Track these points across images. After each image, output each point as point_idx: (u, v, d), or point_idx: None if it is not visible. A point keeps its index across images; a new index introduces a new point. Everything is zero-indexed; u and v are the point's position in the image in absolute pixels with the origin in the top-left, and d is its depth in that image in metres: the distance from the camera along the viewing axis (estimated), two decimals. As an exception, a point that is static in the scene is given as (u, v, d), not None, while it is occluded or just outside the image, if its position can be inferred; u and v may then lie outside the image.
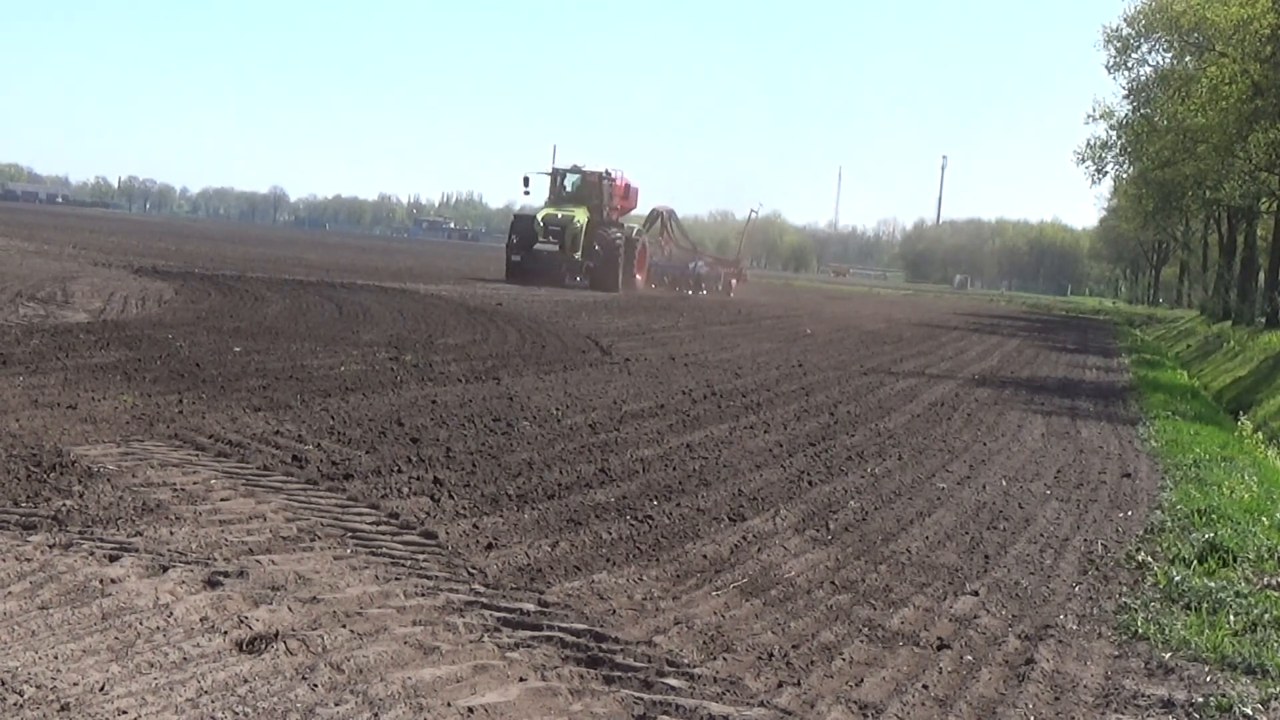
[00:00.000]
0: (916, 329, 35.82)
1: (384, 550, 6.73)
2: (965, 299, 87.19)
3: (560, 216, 39.16)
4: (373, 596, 5.86)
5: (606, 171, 41.66)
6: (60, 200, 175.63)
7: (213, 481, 7.92)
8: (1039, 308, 77.32)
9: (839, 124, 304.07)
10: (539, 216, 39.75)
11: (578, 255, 38.99)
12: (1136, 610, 6.97)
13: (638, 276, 42.17)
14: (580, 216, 39.28)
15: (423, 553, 6.76)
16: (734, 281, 47.46)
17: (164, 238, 59.46)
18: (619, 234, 40.54)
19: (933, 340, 31.36)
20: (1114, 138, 47.85)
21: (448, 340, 18.64)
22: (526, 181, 41.75)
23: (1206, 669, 6.02)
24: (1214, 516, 9.60)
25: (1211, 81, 36.29)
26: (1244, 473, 12.23)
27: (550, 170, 42.13)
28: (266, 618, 5.32)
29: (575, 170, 41.75)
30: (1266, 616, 6.87)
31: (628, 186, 42.57)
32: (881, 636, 6.20)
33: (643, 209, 46.91)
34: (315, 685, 4.68)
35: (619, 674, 5.17)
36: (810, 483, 9.94)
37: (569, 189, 41.33)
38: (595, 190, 40.93)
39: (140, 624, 5.08)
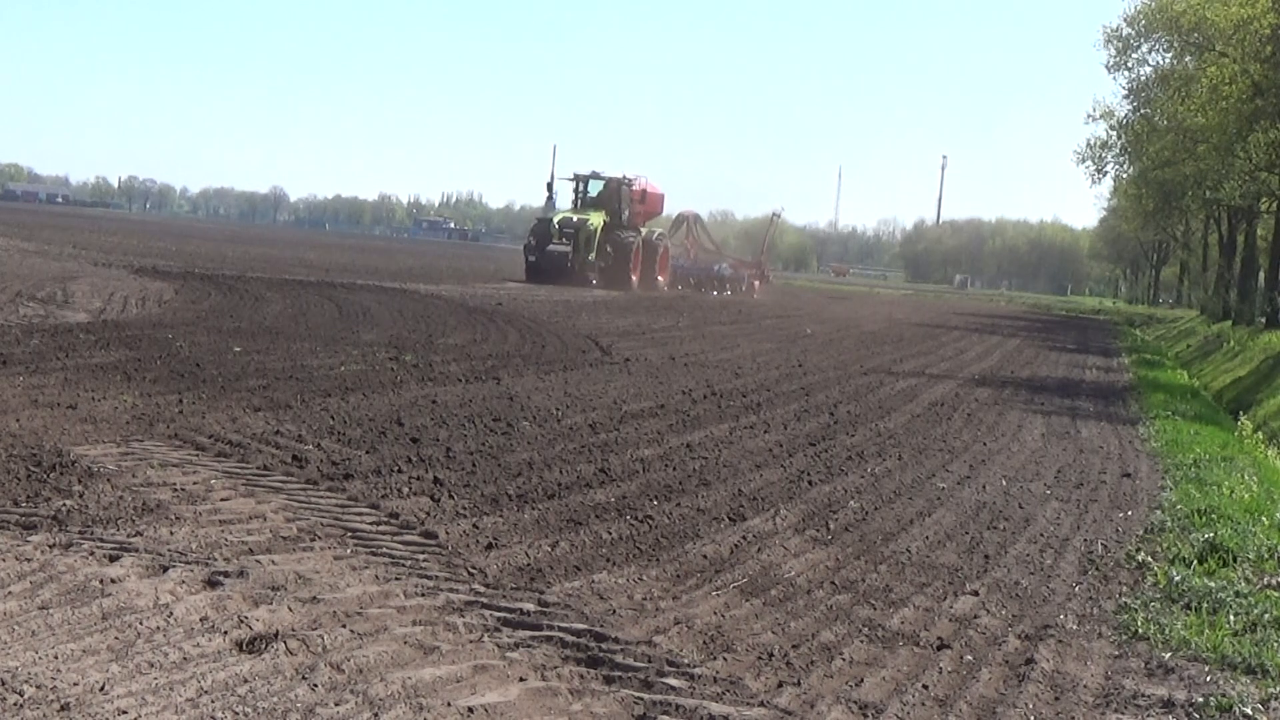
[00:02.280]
0: (916, 329, 35.81)
1: (384, 550, 6.73)
2: (965, 299, 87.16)
3: (575, 219, 40.96)
4: (373, 596, 5.86)
5: (624, 177, 43.27)
6: (60, 200, 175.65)
7: (213, 481, 7.92)
8: (1039, 308, 77.27)
9: (839, 124, 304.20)
10: (555, 219, 41.50)
11: (591, 256, 40.42)
12: (1136, 610, 6.97)
13: (660, 278, 43.76)
14: (595, 220, 40.85)
15: (423, 553, 6.76)
16: (757, 283, 48.92)
17: (164, 238, 59.48)
18: (632, 237, 42.09)
19: (933, 340, 31.36)
20: (1114, 138, 47.89)
21: (448, 340, 18.65)
22: (550, 187, 44.57)
23: (1206, 669, 6.02)
24: (1214, 516, 9.60)
25: (1211, 81, 36.28)
26: (1244, 473, 12.23)
27: (572, 176, 44.02)
28: (266, 618, 5.32)
29: (596, 176, 43.51)
30: (1266, 616, 6.87)
31: (644, 192, 43.90)
32: (881, 636, 6.20)
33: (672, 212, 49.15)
34: (315, 685, 4.68)
35: (619, 674, 5.17)
36: (810, 483, 9.94)
37: (592, 194, 43.17)
38: (615, 195, 42.64)
39: (140, 624, 5.08)
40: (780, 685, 5.31)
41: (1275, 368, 25.83)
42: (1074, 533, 9.12)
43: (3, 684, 4.34)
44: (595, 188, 43.20)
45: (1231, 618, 6.84)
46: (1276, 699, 5.60)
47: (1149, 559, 8.25)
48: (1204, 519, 9.53)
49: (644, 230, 43.66)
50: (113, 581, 5.56)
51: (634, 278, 41.46)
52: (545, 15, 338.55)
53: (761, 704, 5.03)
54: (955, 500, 9.91)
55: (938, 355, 26.34)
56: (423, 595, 5.98)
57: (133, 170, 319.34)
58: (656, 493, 8.88)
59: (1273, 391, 22.99)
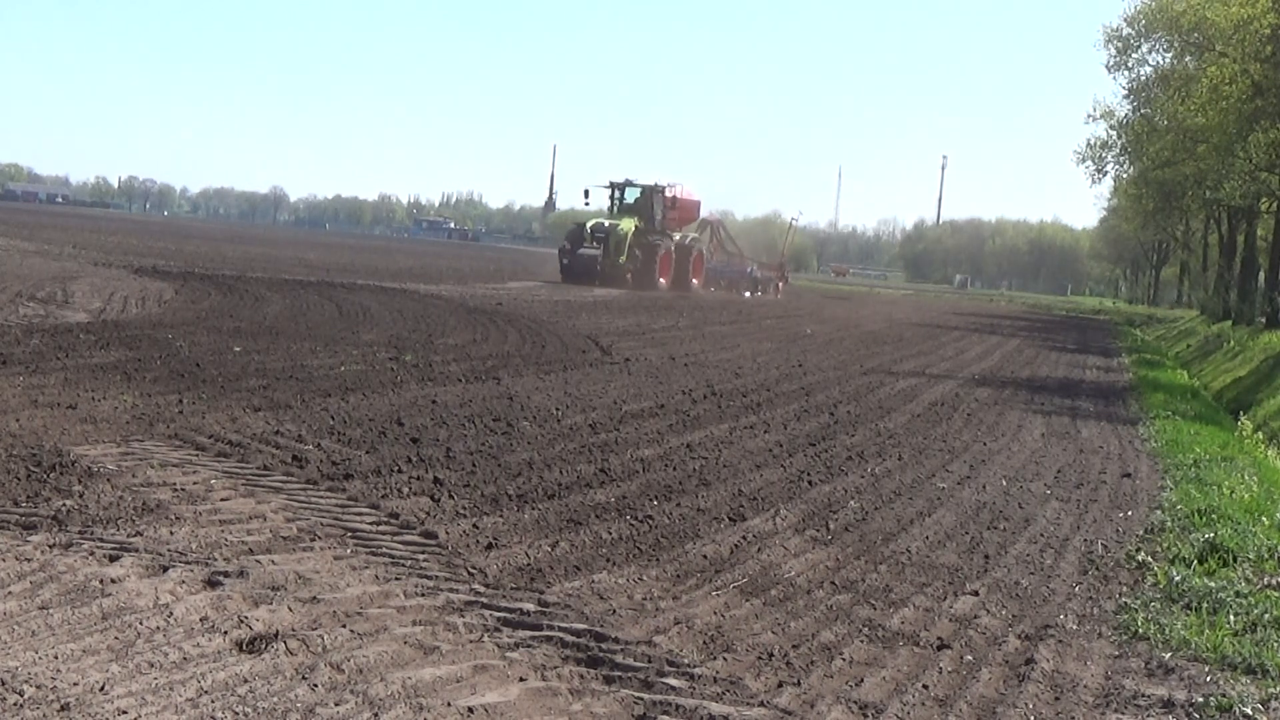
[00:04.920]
0: (916, 329, 35.82)
1: (384, 550, 6.73)
2: (965, 299, 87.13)
3: (606, 224, 42.93)
4: (373, 596, 5.86)
5: (656, 184, 44.85)
6: (60, 200, 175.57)
7: (213, 481, 7.92)
8: (1039, 308, 77.23)
9: (839, 124, 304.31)
10: (588, 224, 43.56)
11: (622, 259, 41.98)
12: (1136, 610, 6.97)
13: (694, 281, 45.29)
14: (625, 225, 42.52)
15: (423, 553, 6.76)
16: (779, 284, 51.64)
17: (164, 238, 59.45)
18: (660, 240, 43.52)
19: (933, 340, 31.36)
20: (1114, 138, 47.95)
21: (448, 340, 18.64)
22: (586, 194, 47.11)
23: (1206, 669, 6.02)
24: (1214, 516, 9.60)
25: (1211, 81, 36.25)
26: (1244, 473, 12.22)
27: (608, 184, 45.92)
28: (266, 618, 5.32)
29: (631, 184, 45.25)
30: (1266, 616, 6.87)
31: (676, 198, 45.21)
32: (881, 636, 6.20)
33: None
34: (315, 685, 4.68)
35: (619, 674, 5.17)
36: (810, 483, 9.94)
37: (628, 201, 45.02)
38: (648, 202, 44.31)
39: (140, 624, 5.08)
40: (780, 685, 5.31)
41: (1275, 368, 25.82)
42: (1074, 533, 9.12)
43: (3, 684, 4.34)
44: (631, 194, 44.87)
45: (1231, 618, 6.84)
46: (1276, 699, 5.60)
47: (1149, 559, 8.25)
48: (1204, 519, 9.53)
49: (677, 235, 45.04)
50: (113, 581, 5.56)
51: (662, 280, 42.77)
52: (545, 15, 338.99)
53: (761, 704, 5.03)
54: (955, 500, 9.91)
55: (938, 355, 26.33)
56: (423, 595, 5.98)
57: (133, 170, 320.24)
58: (656, 493, 8.88)
59: (1273, 391, 22.98)
